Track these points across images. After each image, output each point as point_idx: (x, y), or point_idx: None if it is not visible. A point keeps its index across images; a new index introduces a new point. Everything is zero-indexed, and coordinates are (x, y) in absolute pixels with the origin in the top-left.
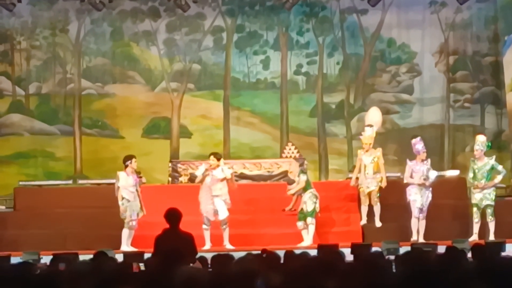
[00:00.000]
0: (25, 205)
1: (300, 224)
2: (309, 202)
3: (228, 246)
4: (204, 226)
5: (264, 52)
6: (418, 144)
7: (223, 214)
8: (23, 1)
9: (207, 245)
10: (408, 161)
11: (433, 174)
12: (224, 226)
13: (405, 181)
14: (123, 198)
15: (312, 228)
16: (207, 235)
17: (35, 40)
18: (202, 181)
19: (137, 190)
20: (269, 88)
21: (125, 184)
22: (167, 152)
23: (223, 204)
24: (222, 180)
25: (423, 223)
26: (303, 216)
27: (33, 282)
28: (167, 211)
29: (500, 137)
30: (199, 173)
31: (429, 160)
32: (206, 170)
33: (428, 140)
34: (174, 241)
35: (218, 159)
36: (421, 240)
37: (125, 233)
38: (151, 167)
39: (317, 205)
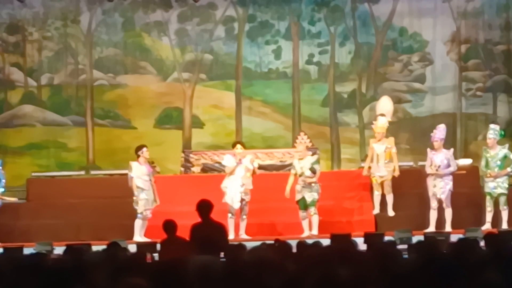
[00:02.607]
0: (38, 195)
1: (304, 214)
2: (315, 192)
3: (244, 236)
4: (229, 215)
5: (275, 42)
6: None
7: (243, 203)
8: None
9: (231, 235)
10: (428, 150)
11: (454, 163)
12: (244, 217)
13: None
14: (137, 187)
15: (317, 218)
16: (231, 223)
17: (46, 31)
18: (233, 171)
19: (150, 180)
20: (281, 78)
21: (139, 173)
22: (179, 142)
23: (245, 195)
24: (250, 171)
25: (449, 212)
26: (304, 205)
27: (46, 272)
28: (198, 202)
29: None
30: (227, 163)
31: (450, 150)
32: (240, 160)
33: None
34: (208, 231)
35: (245, 147)
36: (449, 228)
37: (138, 223)
38: (163, 157)
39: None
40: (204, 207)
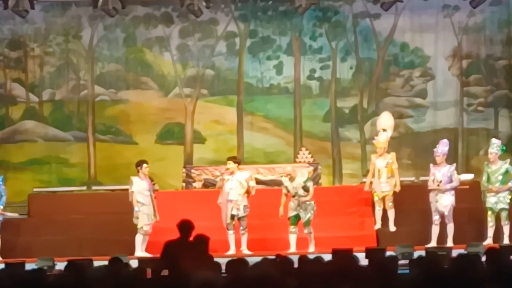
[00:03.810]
0: (40, 211)
1: (294, 229)
2: (311, 210)
3: (246, 251)
4: (229, 231)
5: (277, 57)
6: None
7: (228, 218)
8: (36, 8)
9: (232, 250)
10: (431, 165)
11: (456, 178)
12: (243, 231)
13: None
14: (138, 202)
15: (312, 236)
16: (232, 239)
17: (48, 47)
18: (221, 186)
19: (151, 195)
20: (282, 93)
21: (139, 188)
22: (181, 157)
23: (235, 210)
24: (244, 187)
25: (450, 227)
26: (295, 221)
27: None
28: (179, 222)
29: None
30: (217, 179)
31: (453, 165)
32: (222, 174)
33: None
34: (181, 250)
35: (236, 163)
36: (450, 244)
37: (139, 238)
38: (165, 172)
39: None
40: (184, 227)
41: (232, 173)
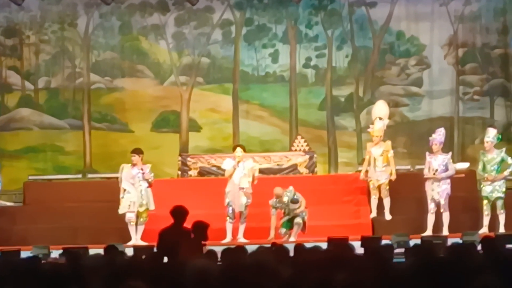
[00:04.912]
0: (35, 199)
1: (284, 231)
2: (304, 216)
3: (242, 239)
4: (228, 219)
5: (273, 45)
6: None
7: (242, 207)
8: None
9: (228, 238)
10: (427, 153)
11: (451, 167)
12: (243, 220)
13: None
14: (124, 190)
15: (299, 228)
16: (229, 228)
17: (43, 35)
18: (232, 174)
19: (138, 183)
20: (278, 82)
21: (126, 175)
22: (176, 146)
23: (245, 198)
24: (250, 175)
25: (446, 216)
26: (289, 226)
27: (43, 276)
28: (172, 208)
29: (509, 129)
30: (227, 166)
31: (448, 153)
32: (238, 162)
33: None
34: (176, 237)
35: (245, 150)
36: (446, 232)
37: (129, 227)
38: (160, 161)
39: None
40: (178, 214)
41: (239, 161)
